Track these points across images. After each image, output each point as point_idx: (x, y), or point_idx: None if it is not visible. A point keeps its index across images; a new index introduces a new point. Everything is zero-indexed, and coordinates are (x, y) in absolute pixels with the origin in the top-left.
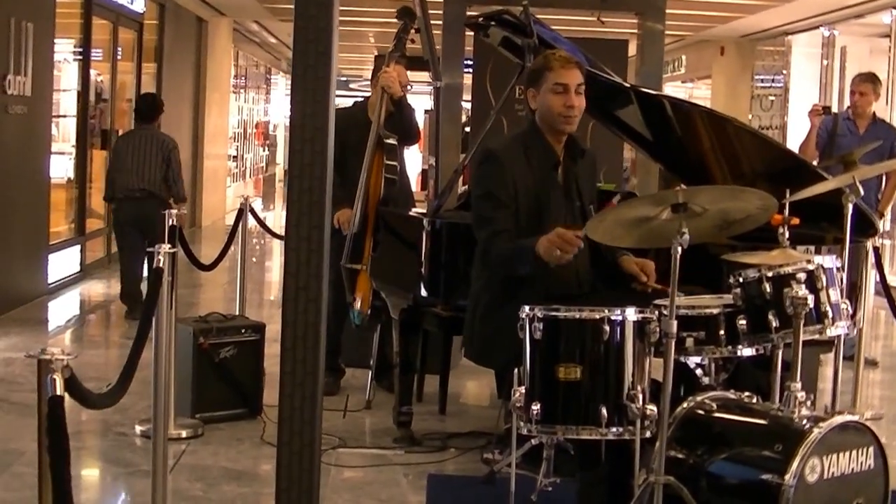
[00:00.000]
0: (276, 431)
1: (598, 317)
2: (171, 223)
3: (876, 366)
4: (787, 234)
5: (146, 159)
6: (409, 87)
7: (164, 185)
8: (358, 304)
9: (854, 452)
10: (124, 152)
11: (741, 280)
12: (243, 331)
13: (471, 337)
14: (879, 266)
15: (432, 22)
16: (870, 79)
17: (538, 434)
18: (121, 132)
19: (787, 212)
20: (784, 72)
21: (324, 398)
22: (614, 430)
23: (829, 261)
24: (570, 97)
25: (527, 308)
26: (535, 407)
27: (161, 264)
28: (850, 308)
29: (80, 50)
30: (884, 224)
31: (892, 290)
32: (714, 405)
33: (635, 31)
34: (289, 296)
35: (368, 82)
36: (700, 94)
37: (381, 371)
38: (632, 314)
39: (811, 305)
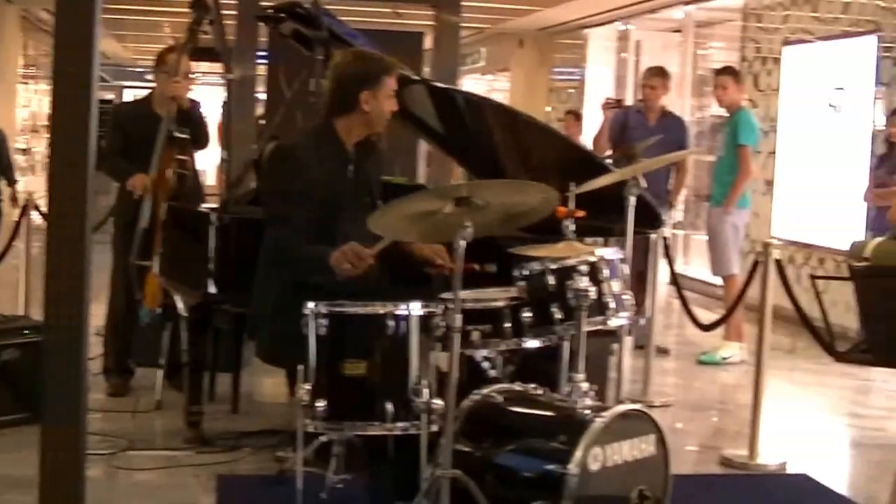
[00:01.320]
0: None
1: (382, 312)
2: None
3: (667, 354)
4: (571, 227)
5: None
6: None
7: None
8: (147, 302)
9: (636, 440)
10: None
11: (525, 273)
12: (25, 332)
13: (259, 335)
14: (668, 257)
15: (225, 13)
16: (659, 73)
17: (325, 431)
18: None
19: (571, 204)
20: (581, 65)
21: (113, 399)
22: (401, 424)
23: (611, 252)
24: (395, 100)
25: (311, 304)
26: (321, 404)
27: None
28: (632, 299)
29: None
30: (674, 215)
31: (683, 280)
32: (500, 398)
33: (431, 23)
34: (50, 297)
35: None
36: (499, 86)
37: (172, 370)
38: (416, 308)
39: (593, 297)
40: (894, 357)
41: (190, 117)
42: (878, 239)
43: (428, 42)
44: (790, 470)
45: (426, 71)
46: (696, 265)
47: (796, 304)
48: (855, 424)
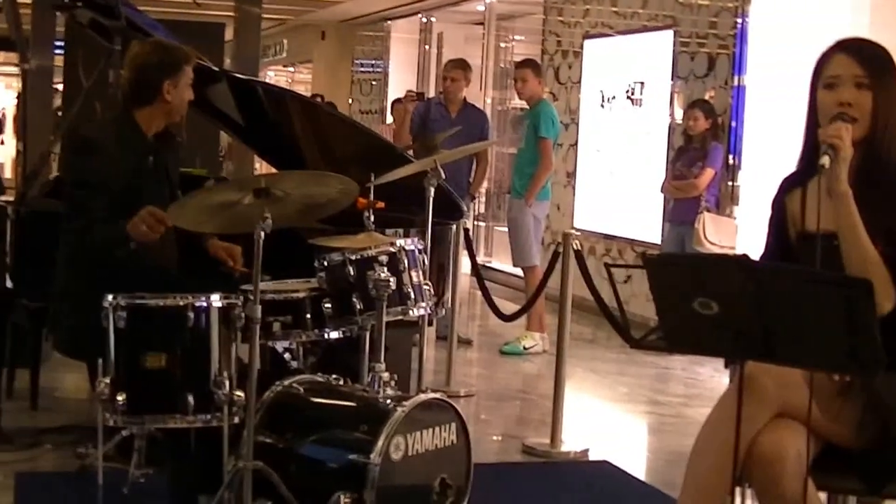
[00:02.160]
0: None
1: (182, 303)
2: None
3: (470, 344)
4: (371, 218)
5: None
6: None
7: None
8: None
9: (437, 429)
10: None
11: (326, 264)
12: None
13: (59, 329)
14: (470, 248)
15: (20, 0)
16: (460, 65)
17: (126, 425)
18: None
19: (372, 196)
20: (384, 57)
21: None
22: (202, 417)
23: (411, 243)
24: (191, 90)
25: (110, 297)
26: (122, 398)
27: None
28: (433, 289)
29: None
30: (476, 207)
31: (485, 271)
32: (302, 389)
33: (232, 14)
34: None
35: None
36: (302, 78)
37: None
38: (216, 300)
39: (393, 287)
40: (686, 343)
41: None
42: None
43: (229, 33)
44: (592, 457)
45: (227, 62)
46: (497, 256)
47: (596, 294)
48: (654, 411)
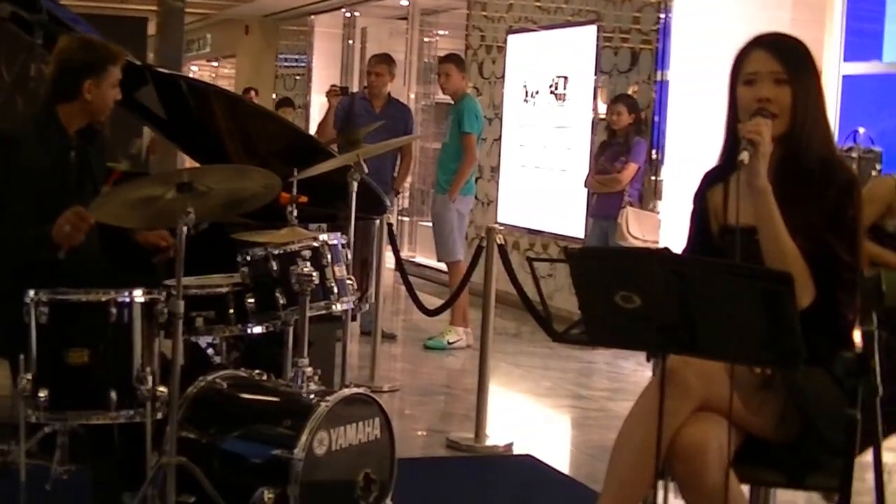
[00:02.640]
0: None
1: (104, 299)
2: None
3: (394, 339)
4: (295, 212)
5: None
6: None
7: None
8: None
9: (361, 424)
10: None
11: (249, 258)
12: None
13: None
14: (394, 243)
15: None
16: (384, 60)
17: (48, 422)
18: None
19: (295, 190)
20: (307, 52)
21: None
22: (125, 413)
23: (334, 237)
24: (119, 90)
25: (31, 292)
26: (44, 394)
27: None
28: (356, 284)
29: None
30: (400, 201)
31: (409, 266)
32: (225, 384)
33: (155, 8)
34: None
35: None
36: (226, 73)
37: None
38: (139, 295)
39: (316, 282)
40: (608, 337)
41: None
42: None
43: (152, 28)
44: (516, 451)
45: (150, 57)
46: (421, 251)
47: (519, 289)
48: (578, 405)
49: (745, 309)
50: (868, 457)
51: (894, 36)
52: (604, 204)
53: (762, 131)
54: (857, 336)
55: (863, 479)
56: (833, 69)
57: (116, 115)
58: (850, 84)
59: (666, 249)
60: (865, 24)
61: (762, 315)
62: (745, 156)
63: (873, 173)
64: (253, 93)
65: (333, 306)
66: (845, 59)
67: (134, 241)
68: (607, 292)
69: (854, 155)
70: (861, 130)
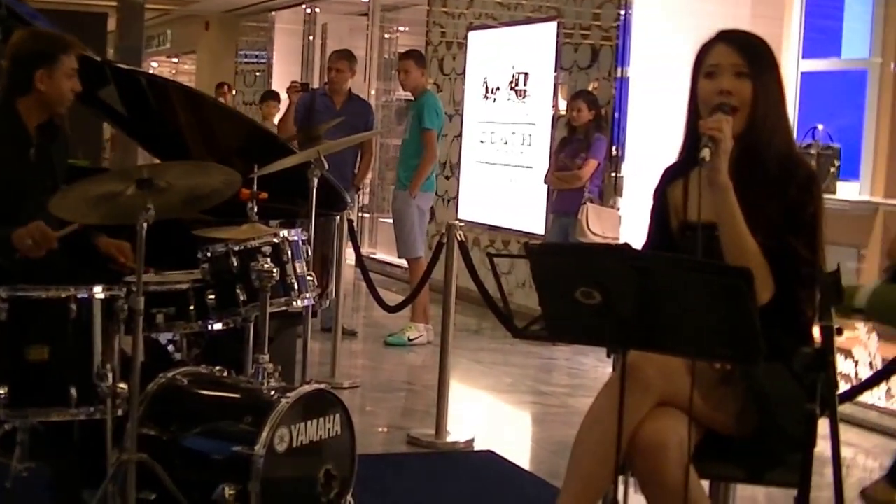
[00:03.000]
0: None
1: (64, 295)
2: None
3: (355, 336)
4: (255, 209)
5: None
6: None
7: None
8: None
9: (322, 420)
10: None
11: (209, 255)
12: None
13: None
14: (354, 239)
15: None
16: (345, 56)
17: (8, 419)
18: None
19: (255, 186)
20: (268, 48)
21: None
22: (85, 409)
23: (294, 234)
24: (77, 80)
25: None
26: (3, 391)
27: None
28: (317, 280)
29: None
30: (361, 198)
31: (370, 262)
32: (185, 381)
33: (115, 4)
34: None
35: None
36: (186, 69)
37: None
38: (99, 292)
39: (277, 278)
40: (568, 332)
41: None
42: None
43: (112, 24)
44: (476, 447)
45: (110, 53)
46: (382, 248)
47: (480, 285)
48: (538, 402)
49: (705, 305)
50: (827, 452)
51: (853, 33)
52: (564, 200)
53: (723, 128)
54: (816, 332)
55: (822, 473)
56: (792, 66)
57: (76, 112)
58: (809, 81)
59: (626, 245)
60: (824, 21)
61: (722, 311)
62: (706, 152)
63: (832, 170)
64: (226, 88)
65: (294, 302)
66: (804, 56)
67: (94, 245)
68: (567, 288)
69: (813, 152)
70: (820, 127)
